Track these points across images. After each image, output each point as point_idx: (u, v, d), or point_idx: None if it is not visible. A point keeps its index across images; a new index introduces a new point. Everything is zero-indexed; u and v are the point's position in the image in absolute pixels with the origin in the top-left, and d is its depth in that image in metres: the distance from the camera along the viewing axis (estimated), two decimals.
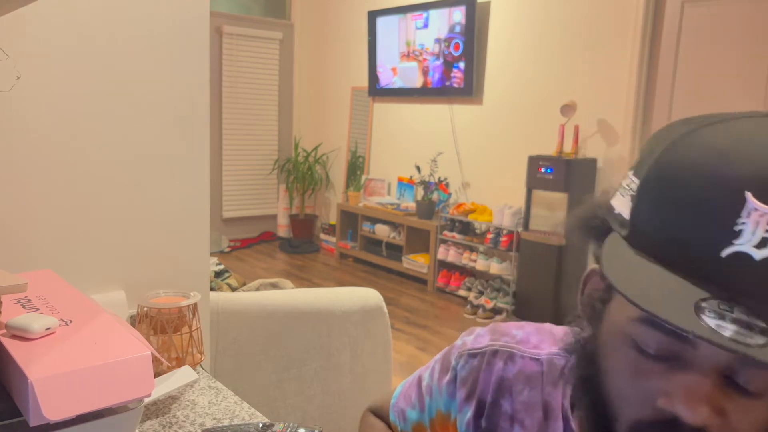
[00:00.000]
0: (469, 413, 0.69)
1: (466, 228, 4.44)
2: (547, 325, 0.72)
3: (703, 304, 0.40)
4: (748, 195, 0.40)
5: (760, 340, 0.38)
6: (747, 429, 0.45)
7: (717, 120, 0.46)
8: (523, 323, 0.74)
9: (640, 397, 0.48)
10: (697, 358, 0.45)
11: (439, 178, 4.68)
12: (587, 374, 0.54)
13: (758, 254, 0.39)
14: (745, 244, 0.40)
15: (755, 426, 0.46)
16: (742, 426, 0.45)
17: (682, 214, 0.43)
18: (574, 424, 0.61)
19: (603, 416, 0.51)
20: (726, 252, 0.40)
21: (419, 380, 0.81)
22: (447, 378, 0.74)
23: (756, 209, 0.40)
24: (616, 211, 0.50)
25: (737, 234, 0.40)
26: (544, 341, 0.69)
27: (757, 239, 0.39)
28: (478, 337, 0.73)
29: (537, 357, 0.67)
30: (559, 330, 0.70)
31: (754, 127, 0.44)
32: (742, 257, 0.40)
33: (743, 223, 0.40)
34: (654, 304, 0.40)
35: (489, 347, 0.70)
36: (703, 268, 0.42)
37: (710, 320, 0.39)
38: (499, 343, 0.70)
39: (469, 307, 4.13)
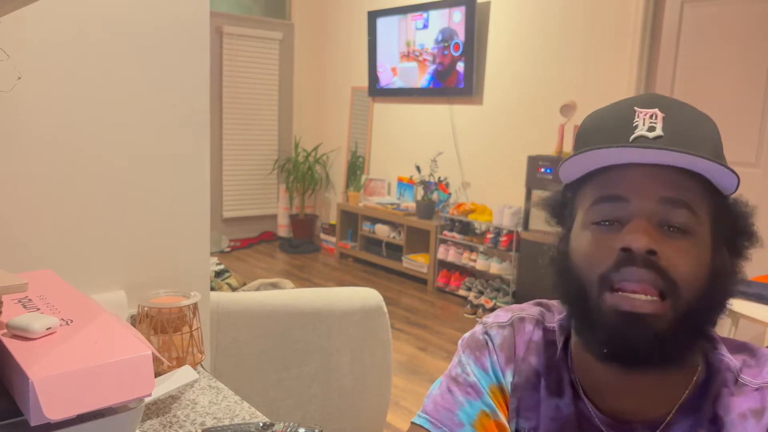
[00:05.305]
0: (511, 376, 0.76)
1: (466, 228, 4.44)
2: (555, 302, 0.80)
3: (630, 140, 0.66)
4: (636, 108, 0.68)
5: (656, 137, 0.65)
6: (683, 264, 0.63)
7: None
8: (532, 302, 0.82)
9: (602, 255, 0.65)
10: (633, 210, 0.65)
11: (439, 178, 4.68)
12: (563, 267, 0.71)
13: (651, 134, 0.65)
14: (641, 129, 0.66)
15: (690, 263, 0.63)
16: (679, 261, 0.63)
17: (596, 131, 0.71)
18: (576, 387, 0.72)
19: (577, 301, 0.68)
20: (632, 137, 0.66)
21: (449, 382, 0.77)
22: (483, 353, 0.77)
23: (641, 112, 0.67)
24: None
25: (635, 127, 0.66)
26: (555, 315, 0.79)
27: (646, 127, 0.66)
28: (498, 316, 0.80)
29: (554, 329, 0.77)
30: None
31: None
32: (641, 137, 0.66)
33: (636, 120, 0.67)
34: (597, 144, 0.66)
35: (515, 316, 0.79)
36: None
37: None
38: (524, 313, 0.79)
39: (469, 306, 4.13)
